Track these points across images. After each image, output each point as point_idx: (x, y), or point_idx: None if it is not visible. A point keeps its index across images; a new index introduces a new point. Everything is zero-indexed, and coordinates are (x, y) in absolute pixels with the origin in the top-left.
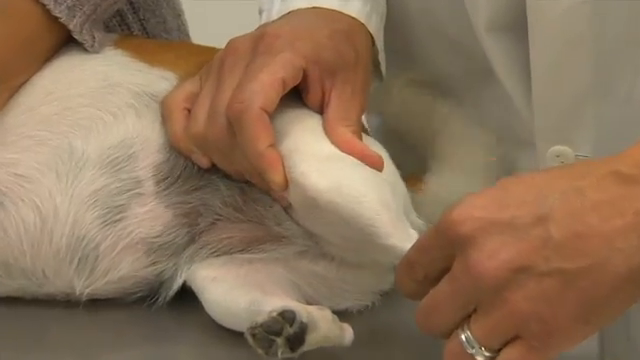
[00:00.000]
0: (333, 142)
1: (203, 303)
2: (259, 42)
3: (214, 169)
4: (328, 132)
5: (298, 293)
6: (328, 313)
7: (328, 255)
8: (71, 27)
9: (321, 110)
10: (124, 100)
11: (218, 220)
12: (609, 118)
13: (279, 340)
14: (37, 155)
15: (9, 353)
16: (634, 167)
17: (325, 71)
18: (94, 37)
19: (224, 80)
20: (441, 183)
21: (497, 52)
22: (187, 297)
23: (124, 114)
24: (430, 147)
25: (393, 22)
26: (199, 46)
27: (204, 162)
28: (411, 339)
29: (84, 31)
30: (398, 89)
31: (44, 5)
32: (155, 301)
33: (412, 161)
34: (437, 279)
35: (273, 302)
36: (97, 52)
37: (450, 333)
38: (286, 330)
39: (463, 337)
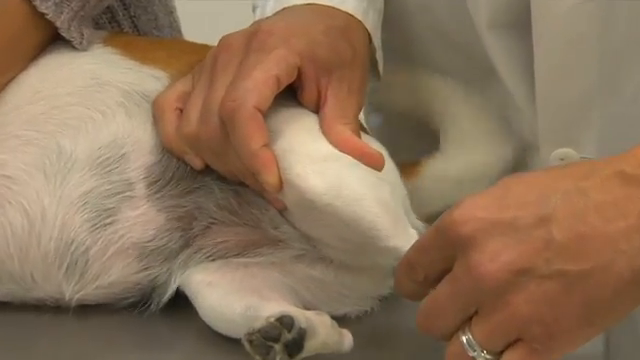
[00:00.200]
0: (331, 141)
1: (197, 309)
2: (253, 39)
3: (207, 171)
4: (326, 131)
5: (295, 298)
6: (327, 318)
7: (326, 259)
8: (58, 24)
9: (316, 109)
10: (114, 99)
11: (213, 224)
12: (615, 119)
13: (277, 346)
14: (24, 156)
15: None
16: (638, 167)
17: (321, 69)
18: (82, 34)
19: (217, 78)
20: (445, 160)
21: (498, 50)
22: (180, 303)
23: (114, 113)
24: (433, 128)
25: (391, 19)
26: (192, 44)
27: (197, 163)
28: (411, 345)
29: (72, 28)
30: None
31: (30, 1)
32: (147, 307)
33: (413, 159)
34: (437, 280)
35: (270, 307)
36: (86, 50)
37: (451, 335)
38: (284, 336)
39: (464, 339)
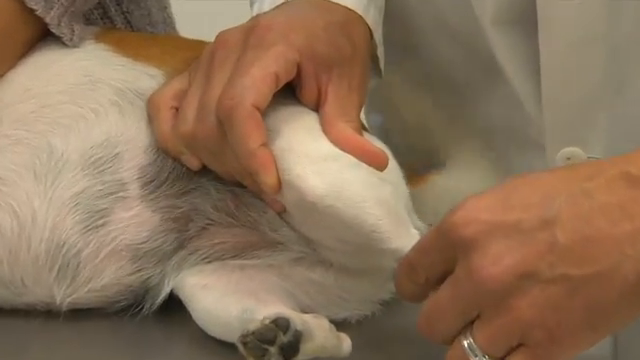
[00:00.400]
0: (333, 139)
1: (191, 312)
2: (250, 34)
3: (204, 171)
4: (327, 129)
5: (294, 302)
6: (325, 322)
7: (325, 262)
8: (48, 20)
9: (316, 107)
10: (106, 97)
11: (209, 225)
12: (622, 118)
13: (272, 349)
14: (14, 156)
15: None
16: None
17: (320, 65)
18: (73, 30)
19: (214, 75)
20: (450, 177)
21: (503, 47)
22: (174, 307)
23: (106, 112)
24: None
25: (392, 14)
26: (186, 40)
27: (194, 163)
28: (412, 350)
29: (62, 24)
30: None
31: None
32: (140, 310)
33: (414, 159)
34: (438, 282)
35: (267, 310)
36: (77, 46)
37: (452, 339)
38: (279, 339)
39: (465, 344)
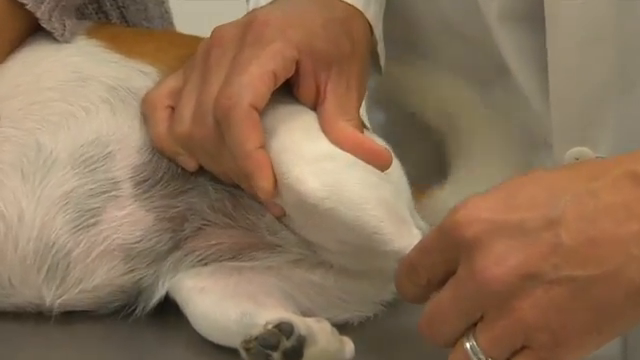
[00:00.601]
0: (333, 139)
1: (188, 316)
2: (247, 31)
3: (202, 171)
4: (327, 128)
5: (293, 304)
6: (327, 325)
7: (326, 263)
8: (39, 15)
9: (314, 105)
10: (97, 94)
11: (206, 225)
12: (631, 117)
13: (275, 355)
14: (0, 154)
15: None
16: None
17: (319, 63)
18: (64, 25)
19: (210, 74)
20: (453, 192)
21: (509, 44)
22: (169, 310)
23: (97, 109)
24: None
25: (395, 10)
26: (182, 36)
27: (191, 164)
28: (416, 352)
29: (53, 19)
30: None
31: None
32: (133, 312)
33: (416, 159)
34: (440, 283)
35: (267, 314)
36: (68, 42)
37: (455, 342)
38: (283, 344)
39: (468, 346)
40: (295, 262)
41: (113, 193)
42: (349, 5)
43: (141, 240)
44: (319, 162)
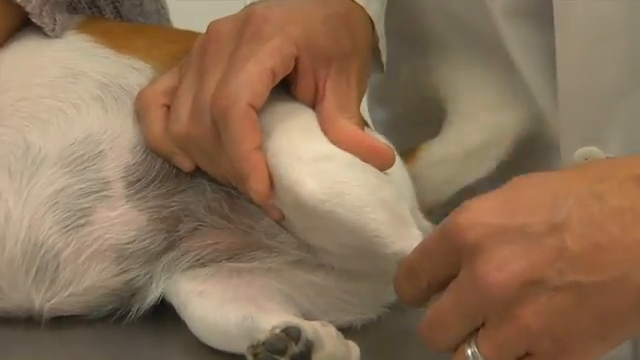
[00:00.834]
0: (334, 137)
1: (186, 320)
2: (245, 27)
3: (198, 170)
4: (327, 127)
5: (294, 307)
6: (332, 329)
7: (327, 265)
8: (29, 9)
9: (312, 103)
10: (88, 91)
11: (201, 226)
12: None
13: None
14: None
15: None
16: None
17: (319, 60)
18: (55, 20)
19: (207, 71)
20: (443, 143)
21: (515, 40)
22: (164, 313)
23: (88, 106)
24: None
25: (399, 6)
26: (176, 31)
27: (187, 165)
28: (420, 355)
29: (44, 13)
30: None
31: None
32: (126, 315)
33: None
34: (440, 286)
35: (270, 317)
36: (59, 37)
37: (456, 347)
38: (291, 349)
39: (469, 352)
40: (295, 263)
41: (104, 193)
42: (350, 1)
43: (134, 240)
44: (317, 163)
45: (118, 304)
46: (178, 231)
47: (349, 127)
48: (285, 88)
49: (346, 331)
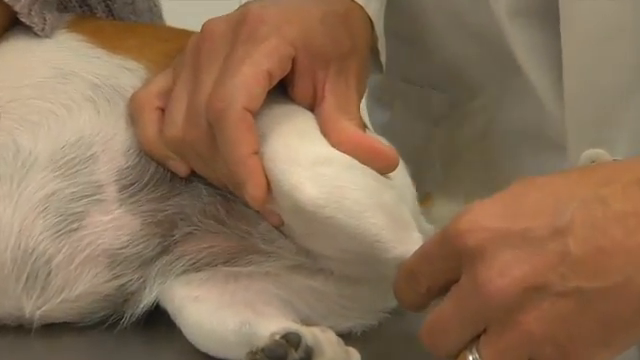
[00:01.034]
0: (336, 139)
1: (182, 326)
2: (240, 27)
3: (193, 174)
4: (328, 129)
5: (293, 313)
6: (332, 335)
7: (326, 270)
8: (17, 9)
9: (310, 106)
10: (80, 91)
11: (197, 231)
12: None
13: None
14: None
15: None
16: None
17: (317, 60)
18: (45, 19)
19: (202, 72)
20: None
21: (520, 40)
22: (159, 321)
23: (80, 108)
24: None
25: (400, 6)
26: (169, 29)
27: (182, 169)
28: None
29: (33, 12)
30: None
31: None
32: (119, 322)
33: (419, 159)
34: (441, 291)
35: (268, 323)
36: (49, 36)
37: (457, 353)
38: (291, 355)
39: (471, 358)
40: (293, 268)
41: (97, 197)
42: (349, 0)
43: (127, 245)
44: (316, 167)
45: (111, 310)
46: (173, 235)
47: (351, 129)
48: (282, 90)
49: (346, 337)
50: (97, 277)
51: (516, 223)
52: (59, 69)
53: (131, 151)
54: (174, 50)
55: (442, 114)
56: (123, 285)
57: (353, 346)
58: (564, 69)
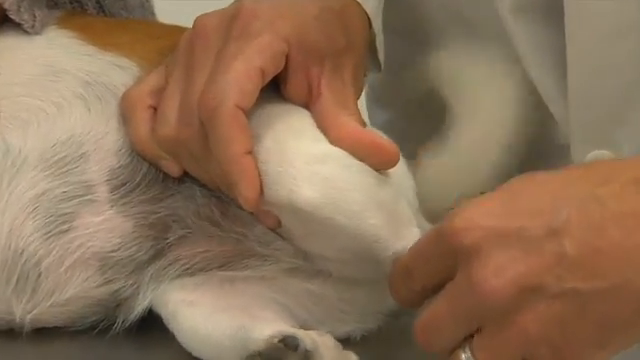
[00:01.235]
0: (336, 136)
1: (176, 332)
2: (233, 22)
3: (187, 174)
4: (328, 125)
5: (290, 317)
6: (330, 339)
7: (324, 272)
8: (6, 6)
9: (304, 103)
10: (70, 89)
11: (190, 234)
12: None
13: None
14: None
15: None
16: None
17: (311, 56)
18: (35, 16)
19: (194, 70)
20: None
21: (523, 37)
22: (152, 326)
23: (70, 105)
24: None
25: (401, 3)
26: (161, 26)
27: (175, 170)
28: None
29: (22, 9)
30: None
31: None
32: (111, 327)
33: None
34: (436, 289)
35: (265, 327)
36: (38, 33)
37: (451, 351)
38: (289, 359)
39: (464, 358)
40: (290, 271)
41: (88, 197)
42: None
43: (119, 248)
44: (312, 166)
45: (103, 315)
46: (167, 238)
47: (351, 124)
48: (275, 89)
49: (345, 342)
50: (88, 281)
51: (512, 222)
52: (49, 67)
53: (123, 150)
54: (167, 47)
55: (443, 113)
56: (117, 291)
57: (351, 350)
58: (568, 68)
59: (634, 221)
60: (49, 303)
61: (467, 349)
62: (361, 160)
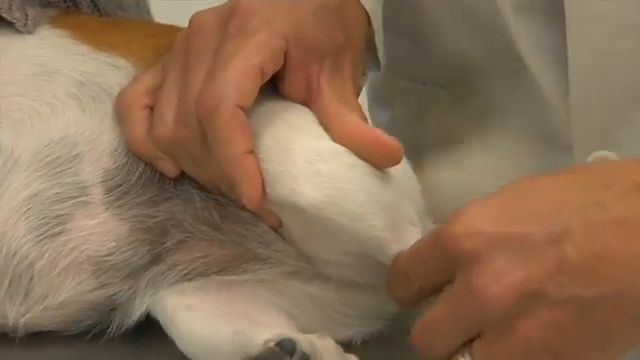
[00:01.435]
0: (339, 133)
1: (174, 336)
2: (230, 20)
3: (185, 176)
4: (331, 122)
5: (290, 321)
6: (330, 342)
7: (324, 275)
8: None
9: (303, 101)
10: (64, 89)
11: (189, 238)
12: None
13: None
14: None
15: None
16: None
17: (310, 54)
18: (27, 15)
19: (191, 68)
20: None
21: (525, 36)
22: (148, 329)
23: (64, 105)
24: None
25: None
26: (156, 25)
27: (172, 170)
28: None
29: (14, 8)
30: None
31: None
32: (106, 332)
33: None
34: (433, 291)
35: (263, 331)
36: (31, 32)
37: (449, 356)
38: None
39: None
40: (290, 274)
41: (82, 199)
42: None
43: (114, 252)
44: (314, 165)
45: (97, 319)
46: (164, 243)
47: (354, 120)
48: (274, 88)
49: (346, 346)
50: (82, 285)
51: (513, 227)
52: (42, 66)
53: (118, 151)
54: (162, 46)
55: (443, 113)
56: (112, 296)
57: (352, 353)
58: (570, 68)
59: (635, 226)
60: (42, 306)
61: (466, 354)
62: (364, 157)
